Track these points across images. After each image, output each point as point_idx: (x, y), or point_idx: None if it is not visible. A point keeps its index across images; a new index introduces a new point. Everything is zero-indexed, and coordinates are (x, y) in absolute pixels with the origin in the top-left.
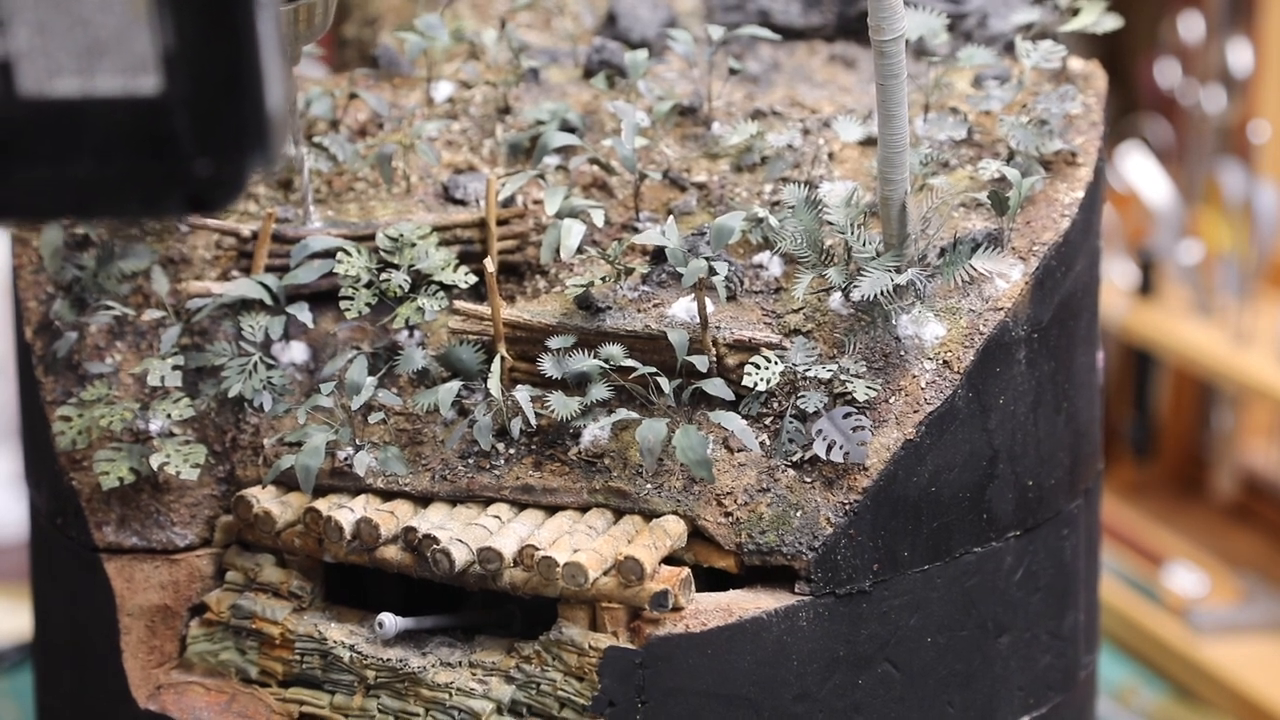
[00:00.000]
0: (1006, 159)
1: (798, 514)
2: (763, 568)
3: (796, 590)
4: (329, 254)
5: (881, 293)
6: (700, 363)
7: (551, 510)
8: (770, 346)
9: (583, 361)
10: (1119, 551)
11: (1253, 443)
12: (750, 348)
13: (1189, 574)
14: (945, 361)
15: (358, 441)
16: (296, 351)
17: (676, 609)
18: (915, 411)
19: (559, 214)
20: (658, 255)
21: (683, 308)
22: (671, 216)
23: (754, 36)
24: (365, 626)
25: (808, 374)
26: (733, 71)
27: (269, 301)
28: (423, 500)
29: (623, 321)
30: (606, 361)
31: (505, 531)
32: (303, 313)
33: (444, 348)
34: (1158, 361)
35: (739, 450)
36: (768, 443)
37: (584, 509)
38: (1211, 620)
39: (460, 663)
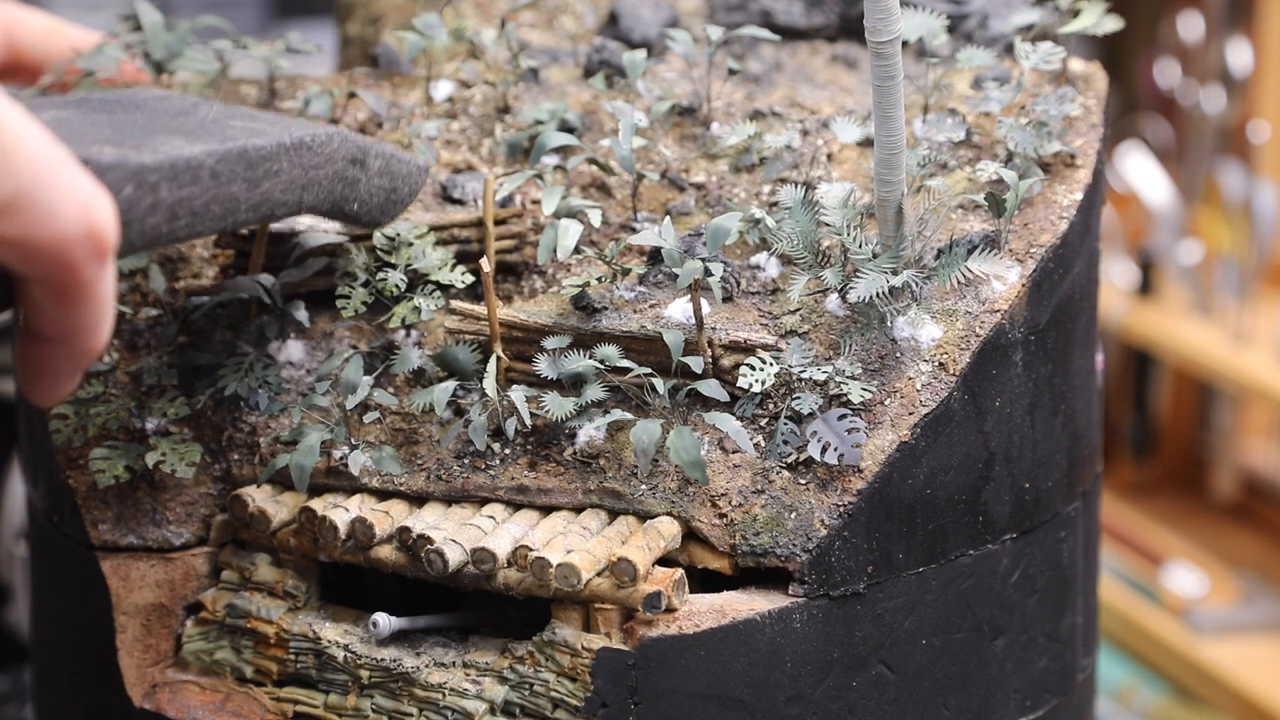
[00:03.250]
0: (1004, 161)
1: (792, 516)
2: (757, 569)
3: (790, 592)
4: (325, 252)
5: (878, 294)
6: (695, 364)
7: (546, 511)
8: (766, 348)
9: (578, 362)
10: (1119, 551)
11: (1252, 443)
12: (746, 349)
13: (1189, 574)
14: (941, 364)
15: (353, 441)
16: (293, 350)
17: (670, 610)
18: (910, 414)
19: (556, 214)
20: (655, 256)
21: (679, 309)
22: (669, 217)
23: (755, 37)
24: (360, 626)
25: (803, 375)
26: (732, 72)
27: (266, 300)
28: (418, 500)
29: (619, 322)
30: (602, 362)
31: (499, 532)
32: (299, 312)
33: (440, 347)
34: (1157, 361)
35: (734, 452)
36: (762, 444)
37: (579, 510)
38: (1211, 620)
39: (454, 663)
